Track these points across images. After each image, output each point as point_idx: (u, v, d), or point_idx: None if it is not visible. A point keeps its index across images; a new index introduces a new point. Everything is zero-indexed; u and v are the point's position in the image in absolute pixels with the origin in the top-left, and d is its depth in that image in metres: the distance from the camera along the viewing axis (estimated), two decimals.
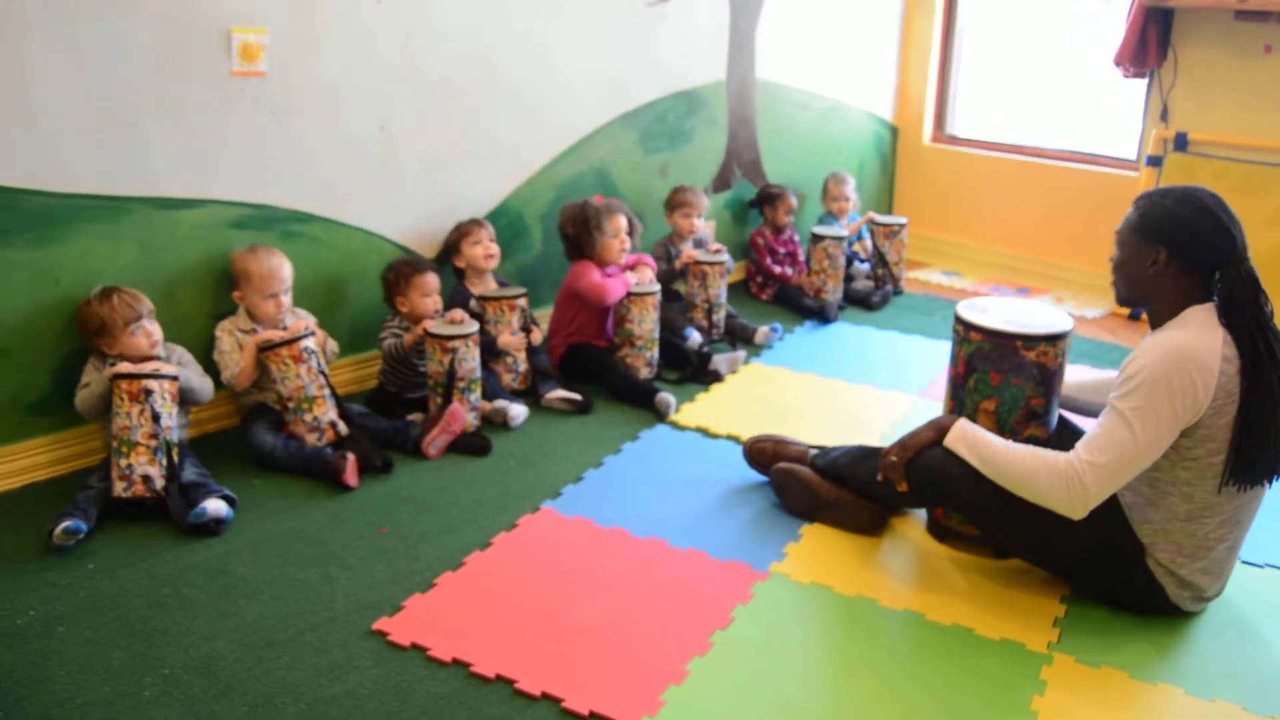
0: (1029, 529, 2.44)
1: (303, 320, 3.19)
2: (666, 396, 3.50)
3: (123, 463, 2.67)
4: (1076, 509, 2.26)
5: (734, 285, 4.88)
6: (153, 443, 2.69)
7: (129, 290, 2.83)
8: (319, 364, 3.04)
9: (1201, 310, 2.28)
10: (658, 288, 3.78)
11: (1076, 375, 2.78)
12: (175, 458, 2.73)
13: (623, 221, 3.75)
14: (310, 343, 3.03)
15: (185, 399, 2.87)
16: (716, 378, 3.80)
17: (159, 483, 2.69)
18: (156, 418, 2.69)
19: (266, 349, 2.98)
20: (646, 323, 3.73)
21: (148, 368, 2.73)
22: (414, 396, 3.37)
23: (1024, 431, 2.58)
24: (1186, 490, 2.30)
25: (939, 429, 2.50)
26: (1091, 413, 2.70)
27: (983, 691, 2.18)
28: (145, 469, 2.68)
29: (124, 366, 2.72)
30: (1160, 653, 2.33)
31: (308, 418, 3.01)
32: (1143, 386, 2.21)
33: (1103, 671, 2.26)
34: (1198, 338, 2.23)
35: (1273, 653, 2.37)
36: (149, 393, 2.68)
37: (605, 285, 3.64)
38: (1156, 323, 2.37)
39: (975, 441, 2.42)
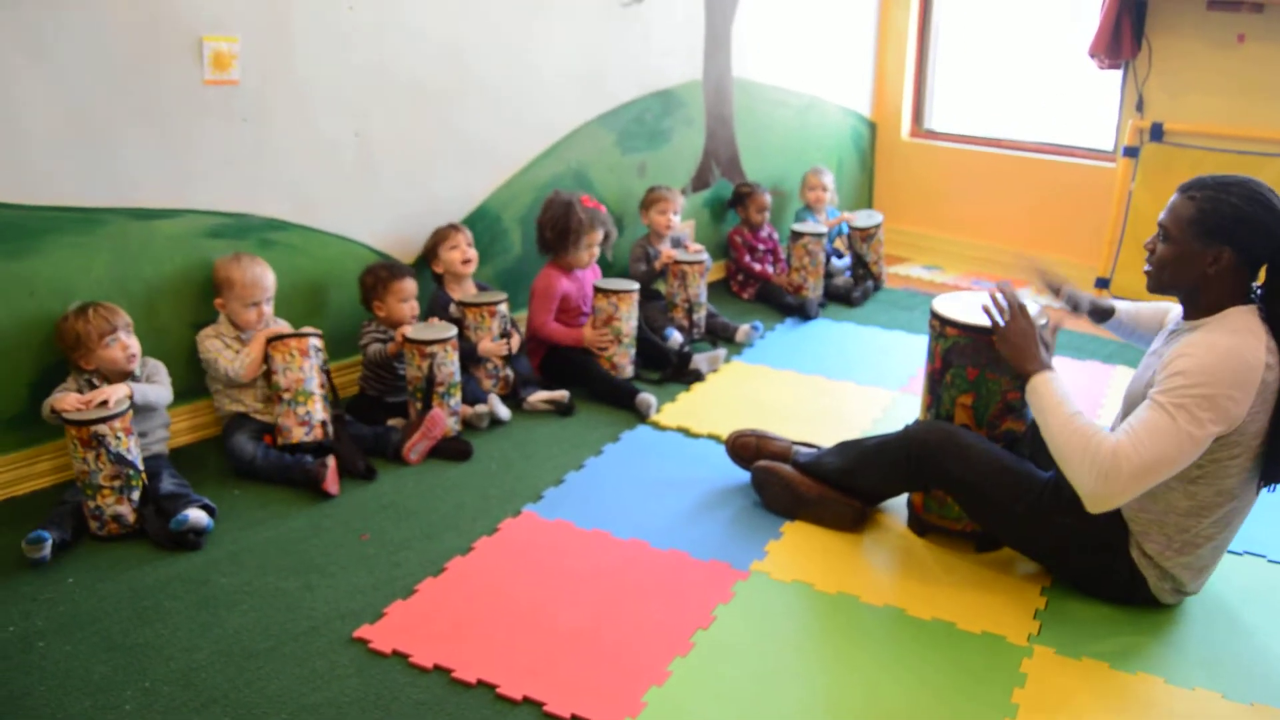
0: (1014, 511, 2.45)
1: (281, 327, 3.20)
2: (647, 397, 3.50)
3: (90, 504, 2.65)
4: (1099, 499, 2.20)
5: (714, 284, 4.88)
6: (116, 483, 2.64)
7: (106, 305, 2.82)
8: (323, 365, 3.06)
9: (1244, 312, 2.21)
10: (634, 286, 3.78)
11: (1127, 305, 2.74)
12: (144, 482, 2.69)
13: (600, 235, 3.76)
14: (317, 342, 3.05)
15: (141, 410, 2.83)
16: (697, 377, 3.80)
17: (131, 518, 2.67)
18: (117, 459, 2.63)
19: (275, 339, 3.00)
20: (625, 326, 3.74)
21: (93, 409, 2.63)
22: (395, 401, 3.37)
23: (1001, 425, 2.59)
24: (1191, 489, 2.28)
25: (1031, 365, 2.40)
26: (1139, 339, 2.68)
27: (964, 685, 2.19)
28: (114, 509, 2.65)
29: (70, 410, 2.62)
30: (1140, 643, 2.35)
31: (300, 410, 3.00)
32: (1193, 388, 2.13)
33: (1083, 663, 2.27)
34: (1248, 345, 2.16)
35: (1252, 641, 2.38)
36: (100, 438, 2.61)
37: (548, 331, 3.74)
38: (1193, 315, 2.29)
39: (1041, 398, 2.35)
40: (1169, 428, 2.14)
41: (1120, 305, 2.74)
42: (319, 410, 3.04)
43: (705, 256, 4.25)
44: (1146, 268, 2.35)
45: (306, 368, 3.02)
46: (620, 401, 3.55)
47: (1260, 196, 2.18)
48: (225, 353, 3.04)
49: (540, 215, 3.76)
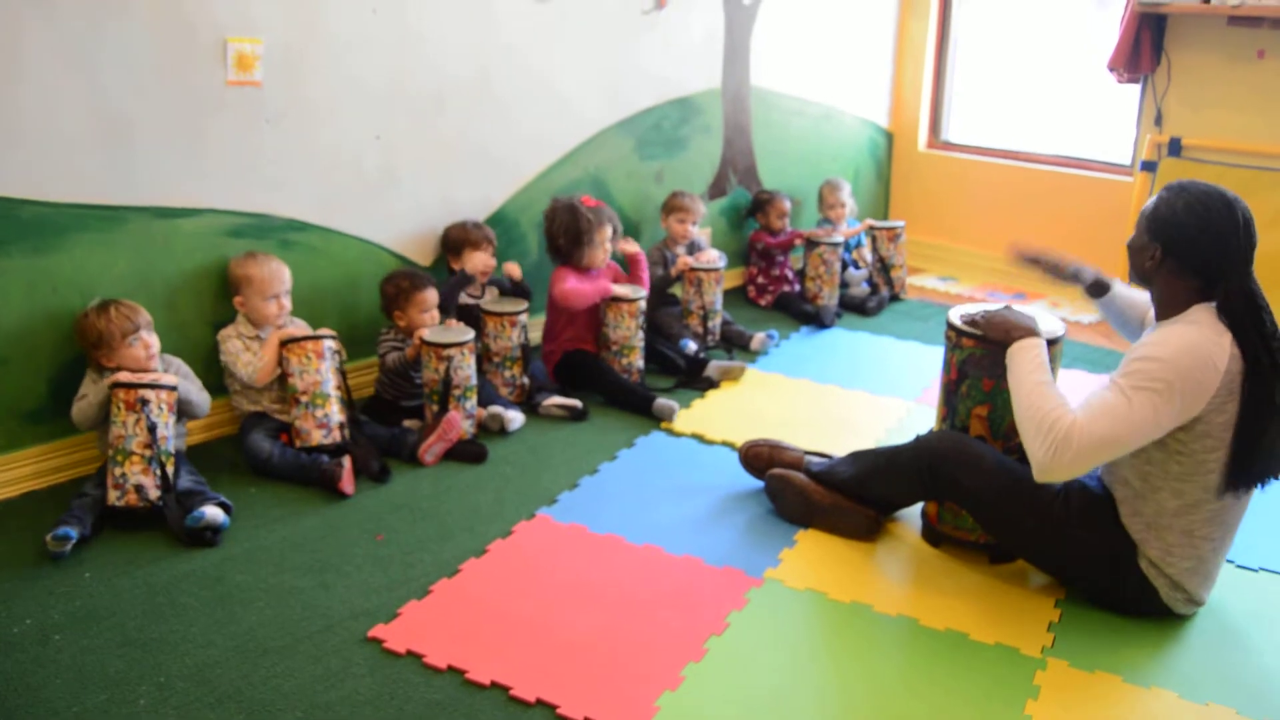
0: (1025, 523, 2.46)
1: (300, 327, 3.22)
2: (666, 402, 3.51)
3: (117, 471, 2.68)
4: (1046, 469, 2.26)
5: (731, 291, 4.89)
6: (147, 453, 2.69)
7: (126, 302, 2.84)
8: (339, 366, 3.08)
9: (1206, 308, 2.28)
10: (642, 294, 3.78)
11: (1122, 287, 2.76)
12: (171, 468, 2.74)
13: (608, 230, 3.76)
14: (332, 344, 3.06)
15: (183, 411, 2.88)
16: (710, 384, 3.80)
17: (152, 493, 2.70)
18: (152, 428, 2.69)
19: (289, 342, 3.01)
20: (622, 329, 3.74)
21: (146, 378, 2.73)
22: (411, 405, 3.38)
23: (1017, 438, 2.58)
24: (1177, 486, 2.31)
25: (1015, 334, 2.45)
26: (1124, 326, 2.74)
27: (977, 696, 2.19)
28: (139, 479, 2.68)
29: (123, 375, 2.72)
30: (1153, 656, 2.34)
31: (319, 413, 3.02)
32: (1149, 375, 2.20)
33: (1096, 675, 2.27)
34: (1209, 337, 2.22)
35: (1265, 656, 2.38)
36: (145, 403, 2.69)
37: (573, 292, 3.63)
38: (1161, 313, 2.37)
39: (1017, 364, 2.40)
40: (1123, 409, 2.21)
41: (1117, 283, 2.77)
42: (336, 412, 3.06)
43: (721, 263, 4.26)
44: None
45: (323, 370, 3.03)
46: (637, 407, 3.56)
47: (1204, 210, 2.25)
48: (244, 355, 3.06)
49: (547, 226, 3.74)
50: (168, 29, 2.89)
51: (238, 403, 3.16)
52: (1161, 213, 2.31)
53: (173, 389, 2.77)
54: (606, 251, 3.78)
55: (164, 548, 2.64)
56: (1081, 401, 2.29)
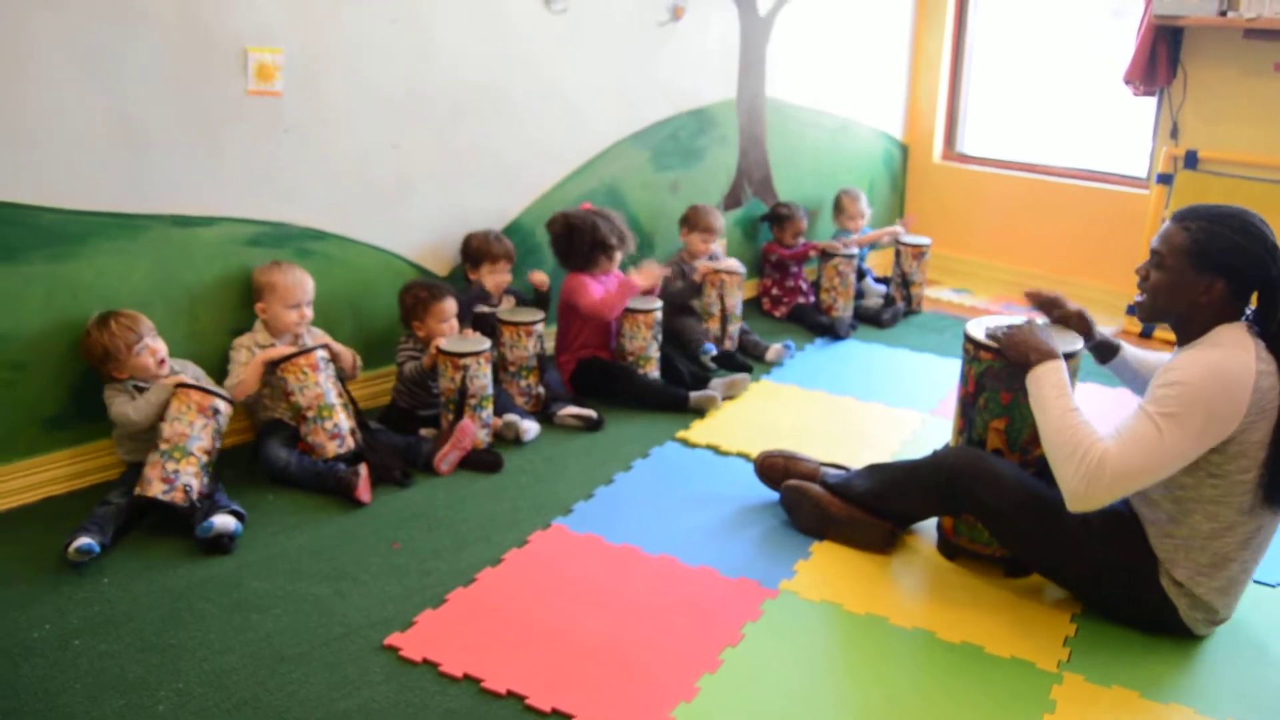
0: (1044, 539, 2.45)
1: (319, 336, 3.23)
2: (706, 393, 3.58)
3: (170, 466, 2.70)
4: (1080, 499, 2.23)
5: (746, 302, 4.90)
6: (205, 458, 2.77)
7: (126, 312, 2.85)
8: (336, 373, 3.10)
9: (1232, 328, 2.26)
10: (658, 304, 3.78)
11: (1134, 350, 2.73)
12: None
13: (627, 241, 3.80)
14: (323, 353, 3.06)
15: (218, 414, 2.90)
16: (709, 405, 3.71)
17: (196, 494, 2.72)
18: (218, 434, 2.80)
19: (278, 363, 3.00)
20: (638, 339, 3.75)
21: (211, 387, 2.86)
22: (427, 414, 3.39)
23: (1034, 451, 2.59)
24: (1211, 509, 2.29)
25: (1034, 355, 2.43)
26: (1138, 385, 2.69)
27: (993, 710, 2.19)
28: (189, 479, 2.72)
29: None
30: (1171, 672, 2.33)
31: (328, 425, 3.03)
32: (1180, 401, 2.18)
33: (1113, 691, 2.26)
34: (1235, 358, 2.20)
35: None
36: (217, 412, 2.80)
37: (605, 304, 3.65)
38: (1185, 338, 2.34)
39: (1041, 388, 2.37)
40: (1154, 438, 2.19)
41: (1127, 347, 2.73)
42: (345, 420, 3.07)
43: (741, 268, 4.27)
44: (1138, 297, 2.41)
45: (322, 381, 3.03)
46: (669, 406, 3.60)
47: (1253, 229, 2.24)
48: (243, 366, 3.07)
49: (564, 235, 3.73)
50: (187, 38, 2.91)
51: (254, 409, 3.18)
52: (1218, 246, 2.23)
53: (230, 403, 2.87)
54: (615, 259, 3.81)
55: (182, 554, 2.66)
56: (1112, 430, 2.27)
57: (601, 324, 3.77)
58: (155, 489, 2.69)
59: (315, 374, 3.02)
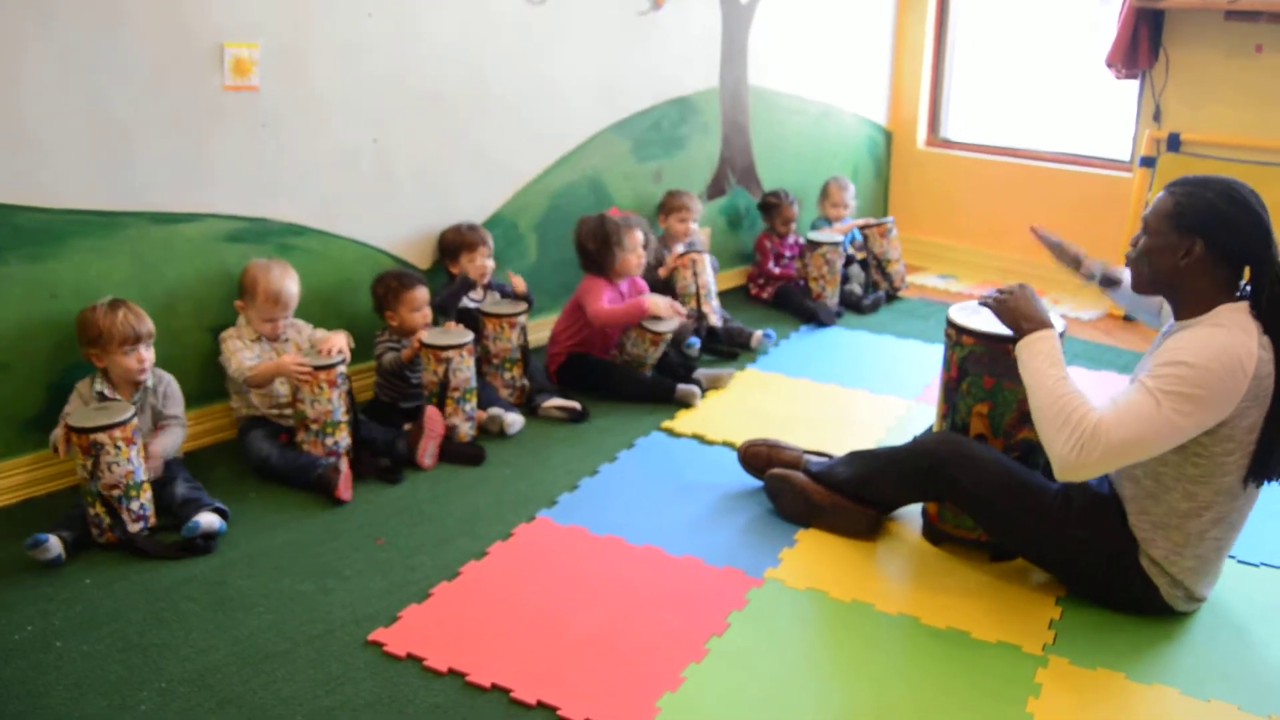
0: (1026, 523, 2.45)
1: (341, 337, 3.13)
2: (688, 386, 3.58)
3: (90, 512, 2.64)
4: (1070, 467, 2.20)
5: (732, 290, 4.90)
6: (115, 492, 2.62)
7: (136, 308, 2.82)
8: (349, 388, 3.07)
9: (1234, 309, 2.24)
10: (672, 326, 3.73)
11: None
12: (144, 501, 2.68)
13: (640, 236, 3.78)
14: (344, 369, 3.03)
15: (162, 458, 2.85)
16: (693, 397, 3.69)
17: (132, 528, 2.65)
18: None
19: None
20: (641, 348, 3.73)
21: (101, 419, 2.61)
22: (409, 406, 3.38)
23: (1018, 435, 2.59)
24: (1191, 489, 2.29)
25: (1028, 322, 2.41)
26: (1142, 310, 2.76)
27: (979, 694, 2.19)
28: (109, 518, 2.63)
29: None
30: (1155, 653, 2.34)
31: (328, 441, 3.02)
32: (1185, 381, 2.15)
33: (1098, 673, 2.27)
34: (1239, 340, 2.18)
35: (1268, 652, 2.37)
36: (99, 446, 2.58)
37: (610, 317, 3.66)
38: (1182, 314, 2.33)
39: (1033, 356, 2.35)
40: (1152, 412, 2.17)
41: (1126, 275, 2.74)
42: (345, 438, 3.05)
43: (711, 258, 4.29)
44: (1129, 258, 2.42)
45: (335, 398, 3.00)
46: (657, 398, 3.61)
47: (1236, 194, 2.24)
48: (243, 352, 3.04)
49: (579, 237, 3.76)
50: (164, 34, 2.89)
51: (236, 406, 3.16)
52: (1195, 207, 2.24)
53: (126, 422, 2.61)
54: (639, 257, 3.78)
55: None
56: (1108, 401, 2.25)
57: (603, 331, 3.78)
58: (94, 533, 2.63)
59: (330, 390, 2.99)
